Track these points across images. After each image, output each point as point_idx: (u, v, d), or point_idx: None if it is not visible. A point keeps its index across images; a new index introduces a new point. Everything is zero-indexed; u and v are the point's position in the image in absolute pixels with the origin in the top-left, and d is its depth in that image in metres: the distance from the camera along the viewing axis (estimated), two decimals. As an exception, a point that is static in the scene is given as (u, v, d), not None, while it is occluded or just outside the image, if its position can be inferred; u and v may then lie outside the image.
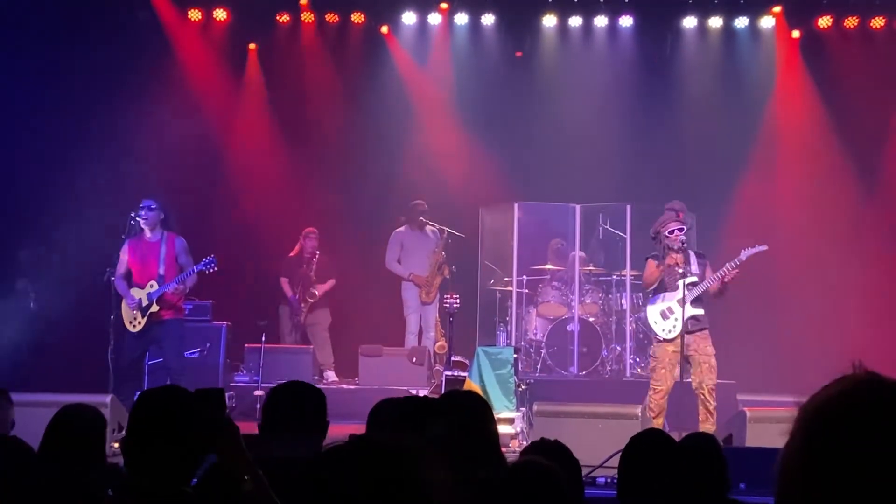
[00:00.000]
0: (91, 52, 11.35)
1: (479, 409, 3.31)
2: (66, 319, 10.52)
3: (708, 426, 8.18)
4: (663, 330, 8.52)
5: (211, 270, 8.70)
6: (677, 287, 8.40)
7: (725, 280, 8.36)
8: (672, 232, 8.51)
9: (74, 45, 11.26)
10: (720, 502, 3.63)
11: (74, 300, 10.42)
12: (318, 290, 11.46)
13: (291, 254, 11.60)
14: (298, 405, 3.47)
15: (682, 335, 8.28)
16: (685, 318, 8.29)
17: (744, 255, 8.33)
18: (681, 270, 8.38)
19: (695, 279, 8.42)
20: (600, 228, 11.60)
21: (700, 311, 8.42)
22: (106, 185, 11.03)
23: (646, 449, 3.47)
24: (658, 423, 8.21)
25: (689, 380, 8.40)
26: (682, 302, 8.28)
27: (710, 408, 8.28)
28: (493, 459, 3.01)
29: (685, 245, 8.51)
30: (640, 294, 11.11)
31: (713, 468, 3.60)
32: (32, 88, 11.26)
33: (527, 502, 2.64)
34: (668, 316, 8.50)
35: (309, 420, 3.43)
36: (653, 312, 8.65)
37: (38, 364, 9.89)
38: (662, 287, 8.64)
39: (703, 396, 8.31)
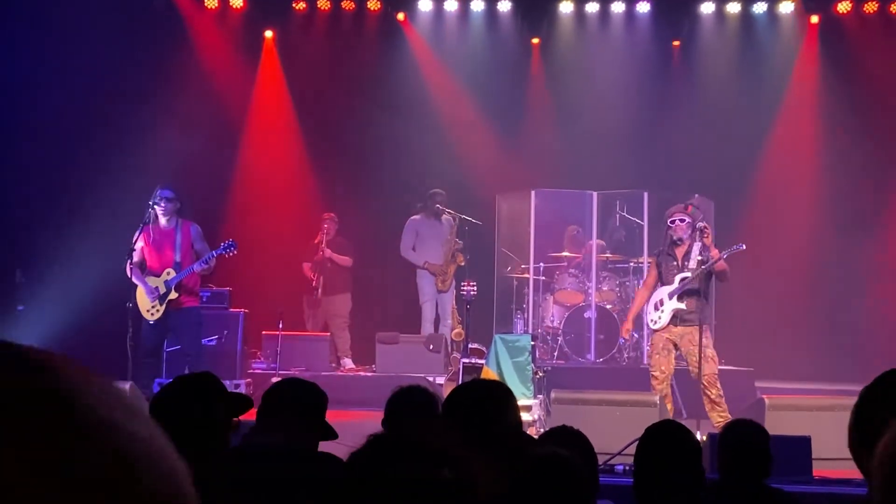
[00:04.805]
0: (107, 41, 11.36)
1: (502, 398, 3.27)
2: (85, 306, 10.56)
3: (715, 416, 8.14)
4: (652, 320, 8.60)
5: (231, 254, 8.71)
6: (673, 281, 8.42)
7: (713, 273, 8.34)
8: (674, 221, 8.46)
9: (90, 35, 11.26)
10: (758, 489, 3.63)
11: (93, 287, 10.45)
12: (327, 253, 11.40)
13: (315, 240, 11.59)
14: (299, 399, 3.49)
15: (675, 325, 8.33)
16: (670, 311, 8.34)
17: (724, 255, 8.24)
18: (675, 263, 8.37)
19: (687, 274, 8.35)
20: (617, 216, 11.56)
21: (682, 306, 8.33)
22: (125, 171, 11.04)
23: (658, 440, 3.45)
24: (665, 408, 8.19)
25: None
26: (671, 295, 8.34)
27: (712, 396, 8.18)
28: (516, 450, 2.98)
29: (686, 238, 8.41)
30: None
31: (752, 456, 3.61)
32: (50, 77, 11.28)
33: (546, 494, 2.63)
34: (658, 307, 8.52)
35: (308, 415, 3.45)
36: (651, 302, 8.71)
37: (59, 351, 9.93)
38: (661, 279, 8.64)
39: (701, 386, 8.27)
